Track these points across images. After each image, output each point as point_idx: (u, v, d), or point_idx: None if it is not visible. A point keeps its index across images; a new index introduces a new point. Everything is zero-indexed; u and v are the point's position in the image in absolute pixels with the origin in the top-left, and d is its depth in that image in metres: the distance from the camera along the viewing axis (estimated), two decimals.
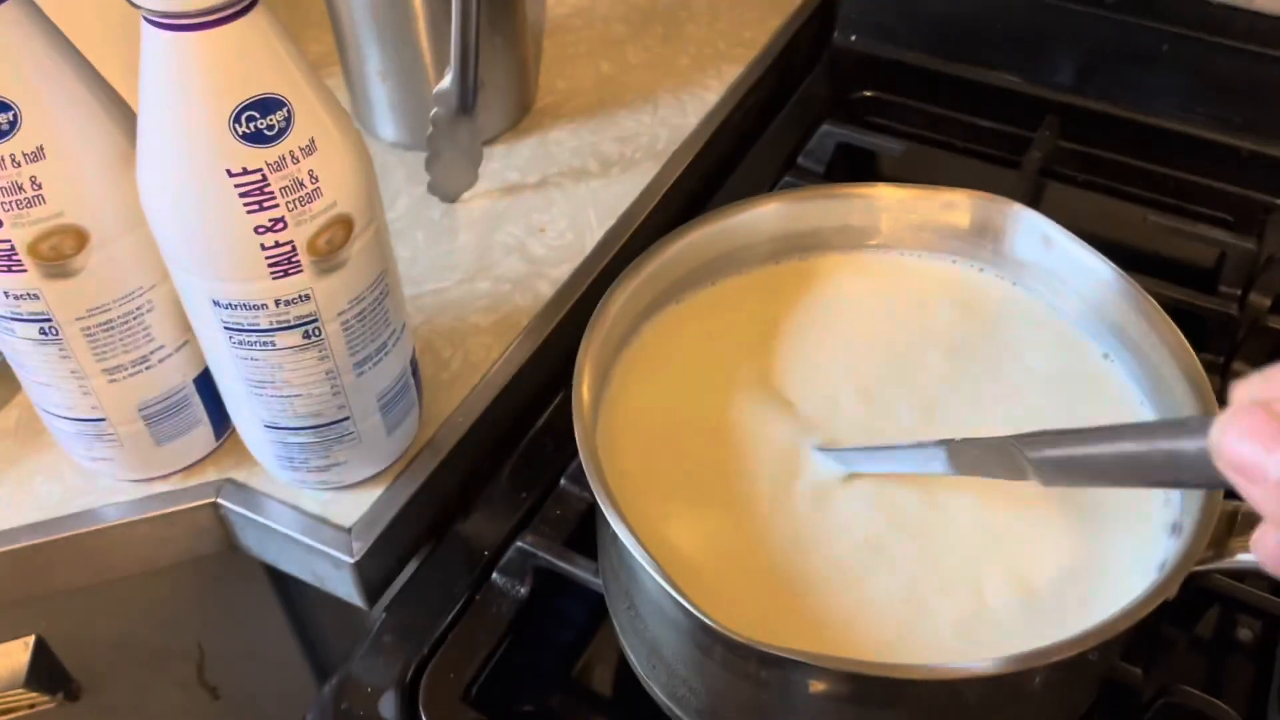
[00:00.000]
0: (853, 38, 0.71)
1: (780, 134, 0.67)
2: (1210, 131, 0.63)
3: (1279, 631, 0.44)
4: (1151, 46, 0.63)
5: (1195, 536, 0.31)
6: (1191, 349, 0.36)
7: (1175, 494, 0.35)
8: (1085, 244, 0.39)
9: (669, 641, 0.34)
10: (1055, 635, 0.30)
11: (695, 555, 0.35)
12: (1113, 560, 0.34)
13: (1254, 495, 0.22)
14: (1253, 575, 0.44)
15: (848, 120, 0.65)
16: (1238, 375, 0.52)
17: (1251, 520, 0.32)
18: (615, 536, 0.32)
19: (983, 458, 0.33)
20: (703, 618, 0.30)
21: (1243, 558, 0.32)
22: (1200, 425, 0.24)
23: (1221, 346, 0.53)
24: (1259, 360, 0.53)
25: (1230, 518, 0.32)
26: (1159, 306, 0.37)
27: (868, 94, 0.69)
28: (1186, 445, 0.24)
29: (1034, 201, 0.62)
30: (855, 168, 0.65)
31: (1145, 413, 0.39)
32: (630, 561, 0.32)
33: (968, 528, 0.36)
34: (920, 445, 0.35)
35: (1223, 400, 0.34)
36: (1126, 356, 0.39)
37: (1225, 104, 0.63)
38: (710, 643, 0.32)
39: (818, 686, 0.32)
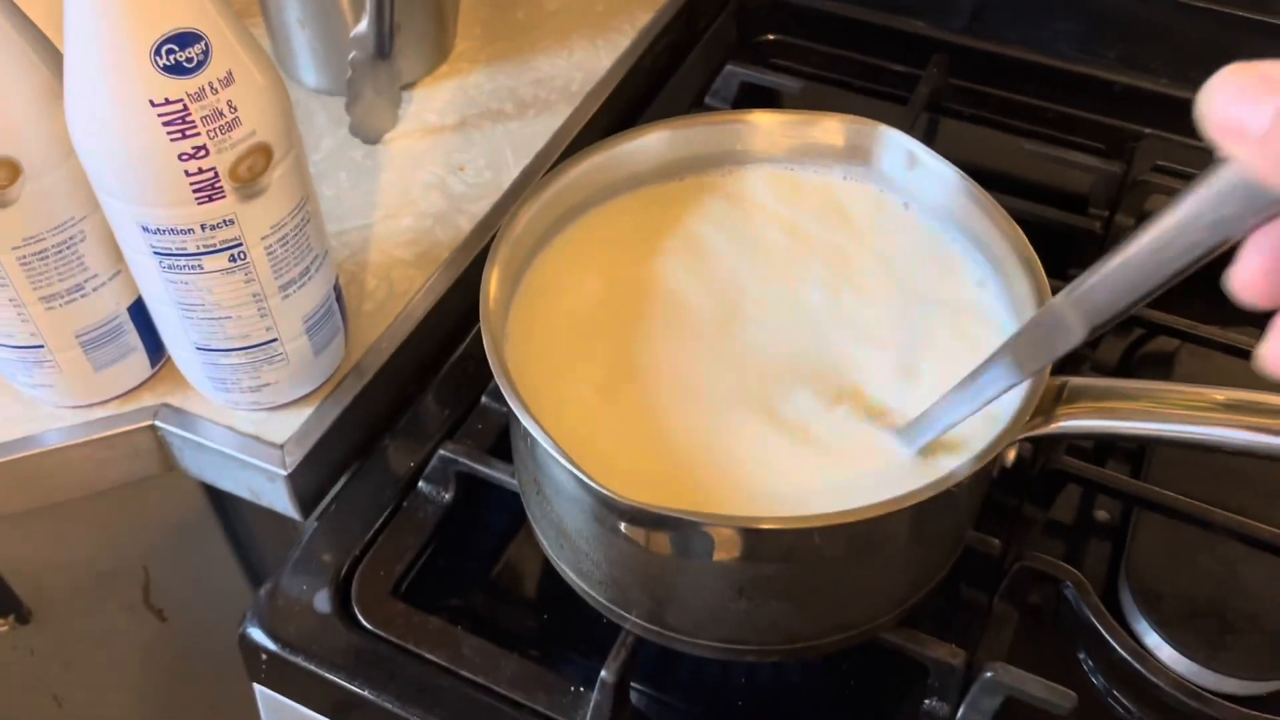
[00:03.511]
0: None
1: (688, 75, 0.70)
2: (1089, 68, 0.68)
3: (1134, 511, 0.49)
4: None
5: (1024, 405, 0.36)
6: (1024, 234, 0.40)
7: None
8: (940, 157, 0.43)
9: (572, 518, 0.38)
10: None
11: (595, 434, 0.38)
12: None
13: (1241, 154, 0.22)
14: (1078, 442, 0.50)
15: (752, 62, 0.69)
16: None
17: (1077, 393, 0.37)
18: (518, 419, 0.36)
19: (1037, 339, 0.33)
20: (590, 482, 0.34)
21: (1065, 424, 0.36)
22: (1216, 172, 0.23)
23: (1090, 262, 0.58)
24: None
25: (1058, 391, 0.37)
26: (995, 201, 0.42)
27: (771, 37, 0.73)
28: (1214, 185, 0.24)
29: (923, 136, 0.66)
30: (758, 105, 0.68)
31: (991, 291, 0.43)
32: (535, 447, 0.36)
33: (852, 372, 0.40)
34: (984, 367, 0.35)
35: (1052, 275, 0.39)
36: (974, 249, 0.44)
37: (1104, 41, 0.68)
38: (605, 513, 0.36)
39: (701, 545, 0.36)
